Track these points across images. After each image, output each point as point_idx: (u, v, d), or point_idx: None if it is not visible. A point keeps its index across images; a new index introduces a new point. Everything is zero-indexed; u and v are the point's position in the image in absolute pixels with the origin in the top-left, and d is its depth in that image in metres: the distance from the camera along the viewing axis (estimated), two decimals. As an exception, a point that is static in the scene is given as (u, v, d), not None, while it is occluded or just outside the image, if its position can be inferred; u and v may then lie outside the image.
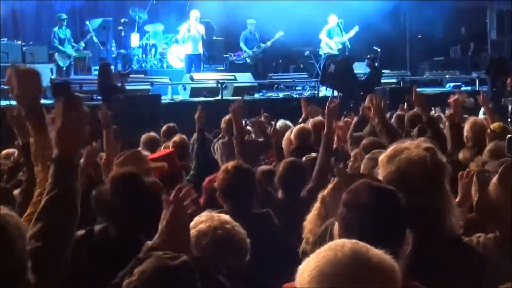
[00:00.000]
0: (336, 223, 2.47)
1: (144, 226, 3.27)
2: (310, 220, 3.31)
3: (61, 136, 2.58)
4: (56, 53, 16.64)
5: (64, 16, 16.92)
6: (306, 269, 1.67)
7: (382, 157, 2.92)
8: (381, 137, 5.28)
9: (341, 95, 9.51)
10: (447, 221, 2.82)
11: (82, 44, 17.17)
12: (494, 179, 3.01)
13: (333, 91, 14.07)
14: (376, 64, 16.26)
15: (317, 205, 3.29)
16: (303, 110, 9.36)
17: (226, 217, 3.16)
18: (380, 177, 2.84)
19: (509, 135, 4.21)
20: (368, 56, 16.65)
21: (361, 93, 13.37)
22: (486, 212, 2.99)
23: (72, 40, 16.97)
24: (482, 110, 9.24)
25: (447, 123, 6.36)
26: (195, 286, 2.37)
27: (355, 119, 8.02)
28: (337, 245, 1.71)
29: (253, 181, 4.35)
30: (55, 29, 16.74)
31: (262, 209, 4.30)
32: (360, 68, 17.22)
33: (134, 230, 3.37)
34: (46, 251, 2.38)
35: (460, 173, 3.49)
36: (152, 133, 7.82)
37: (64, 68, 16.69)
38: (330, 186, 3.14)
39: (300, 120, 9.00)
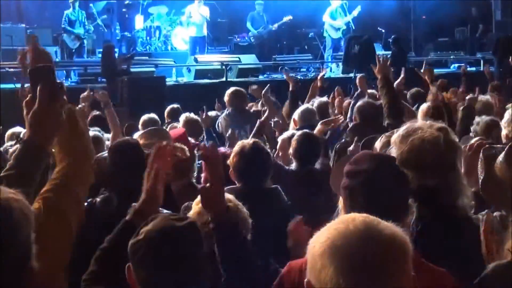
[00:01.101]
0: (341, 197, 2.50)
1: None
2: None
3: (35, 121, 2.51)
4: (65, 34, 16.52)
5: (72, -2, 16.72)
6: (318, 241, 1.67)
7: (394, 137, 2.94)
8: (382, 95, 5.55)
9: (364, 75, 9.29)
10: (459, 201, 2.85)
11: (92, 27, 17.12)
12: (500, 157, 3.00)
13: (355, 72, 13.89)
14: (400, 44, 15.86)
15: None
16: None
17: (230, 196, 3.16)
18: None
19: None
20: (393, 36, 16.40)
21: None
22: (492, 191, 2.99)
23: (86, 23, 16.87)
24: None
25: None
26: (200, 248, 2.38)
27: (354, 97, 8.07)
28: (348, 218, 1.71)
29: (268, 161, 4.34)
30: (68, 11, 16.56)
31: (274, 184, 4.31)
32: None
33: (133, 197, 3.44)
34: None
35: (463, 146, 3.50)
36: (152, 115, 7.69)
37: (74, 50, 16.63)
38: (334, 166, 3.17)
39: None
